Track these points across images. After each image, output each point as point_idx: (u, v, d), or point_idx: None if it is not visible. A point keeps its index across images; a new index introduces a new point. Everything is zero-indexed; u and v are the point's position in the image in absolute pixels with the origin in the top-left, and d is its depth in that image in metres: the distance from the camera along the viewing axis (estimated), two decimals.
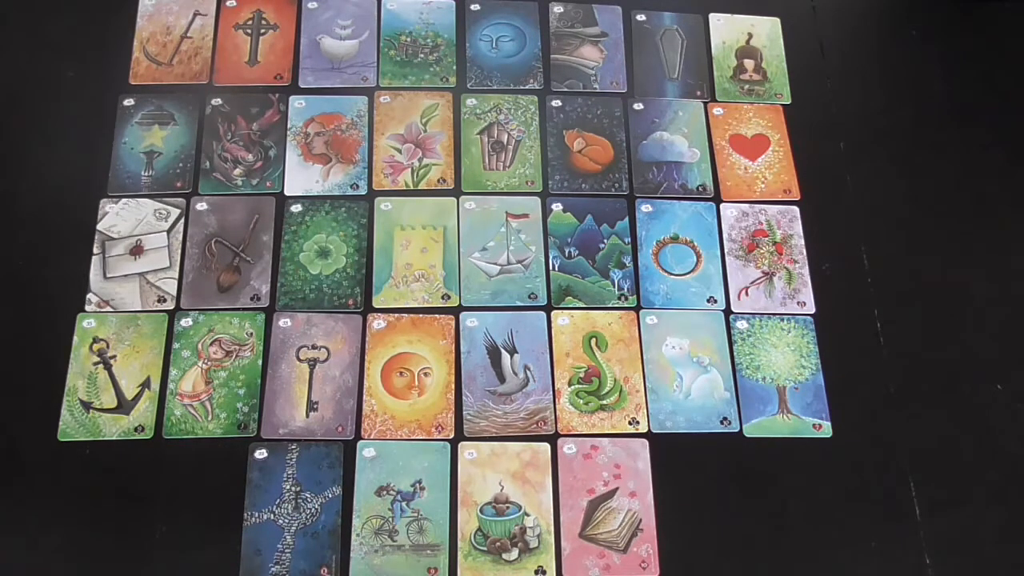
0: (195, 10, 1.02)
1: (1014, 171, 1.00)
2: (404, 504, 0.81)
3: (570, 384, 0.87)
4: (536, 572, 0.80)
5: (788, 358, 0.89)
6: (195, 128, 0.96)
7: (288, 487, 0.81)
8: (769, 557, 0.82)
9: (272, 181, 0.94)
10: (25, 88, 0.97)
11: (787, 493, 0.84)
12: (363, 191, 0.94)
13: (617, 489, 0.83)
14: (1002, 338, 0.92)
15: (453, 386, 0.86)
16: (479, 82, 1.01)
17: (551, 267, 0.92)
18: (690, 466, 0.84)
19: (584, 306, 0.90)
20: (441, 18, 1.04)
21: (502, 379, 0.87)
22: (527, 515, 0.82)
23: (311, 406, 0.85)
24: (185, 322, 0.87)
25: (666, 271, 0.93)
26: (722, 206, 0.96)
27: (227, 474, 0.81)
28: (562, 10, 1.05)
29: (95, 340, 0.86)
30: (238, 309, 0.88)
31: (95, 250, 0.90)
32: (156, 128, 0.96)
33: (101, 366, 0.85)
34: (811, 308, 0.92)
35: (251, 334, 0.87)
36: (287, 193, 0.94)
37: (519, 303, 0.90)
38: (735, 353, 0.89)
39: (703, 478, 0.84)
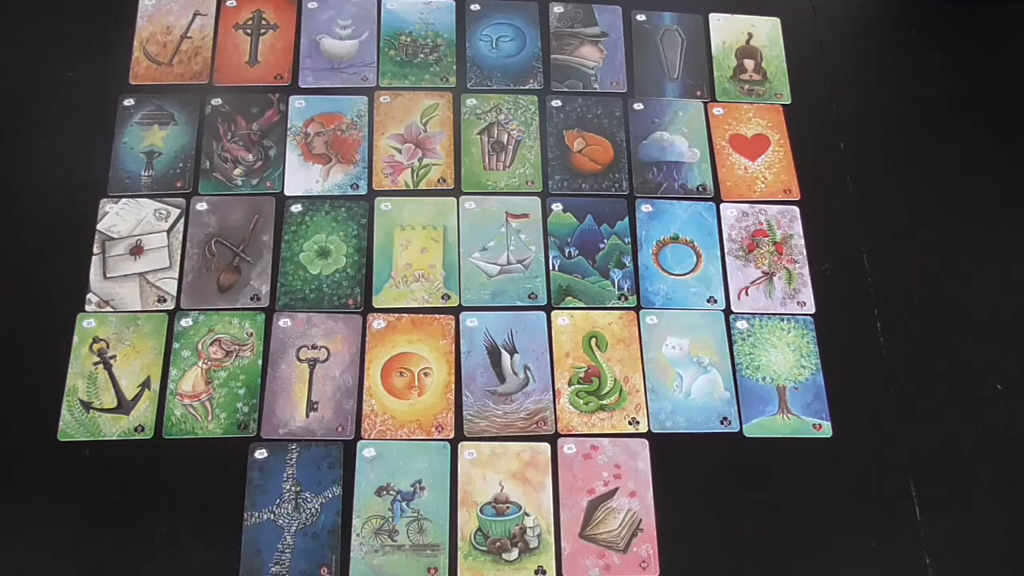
0: (195, 10, 1.02)
1: (1014, 171, 1.00)
2: (404, 504, 0.81)
3: (570, 384, 0.87)
4: (536, 572, 0.80)
5: (788, 358, 0.89)
6: (195, 128, 0.96)
7: (288, 487, 0.81)
8: (769, 557, 0.82)
9: (272, 181, 0.94)
10: (25, 88, 0.97)
11: (787, 493, 0.84)
12: (363, 191, 0.94)
13: (617, 489, 0.83)
14: (1002, 338, 0.92)
15: (453, 386, 0.86)
16: (479, 82, 1.01)
17: (551, 267, 0.92)
18: (690, 466, 0.84)
19: (584, 306, 0.90)
20: (441, 18, 1.04)
21: (502, 379, 0.87)
22: (527, 515, 0.82)
23: (311, 406, 0.85)
24: (185, 322, 0.87)
25: (666, 271, 0.93)
26: (722, 206, 0.96)
27: (227, 474, 0.81)
28: (562, 10, 1.05)
29: (95, 340, 0.86)
30: (238, 309, 0.88)
31: (95, 250, 0.90)
32: (156, 128, 0.96)
33: (101, 366, 0.85)
34: (811, 308, 0.92)
35: (251, 334, 0.87)
36: (287, 193, 0.94)
37: (519, 303, 0.90)
38: (735, 353, 0.89)
39: (703, 478, 0.84)
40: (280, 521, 0.80)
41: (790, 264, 0.94)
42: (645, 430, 0.86)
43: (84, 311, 0.87)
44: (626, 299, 0.91)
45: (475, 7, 1.05)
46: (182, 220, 0.92)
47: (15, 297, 0.88)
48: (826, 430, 0.87)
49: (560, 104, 1.00)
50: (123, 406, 0.84)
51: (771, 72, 1.04)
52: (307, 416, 0.84)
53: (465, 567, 0.80)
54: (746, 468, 0.85)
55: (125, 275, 0.89)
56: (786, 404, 0.87)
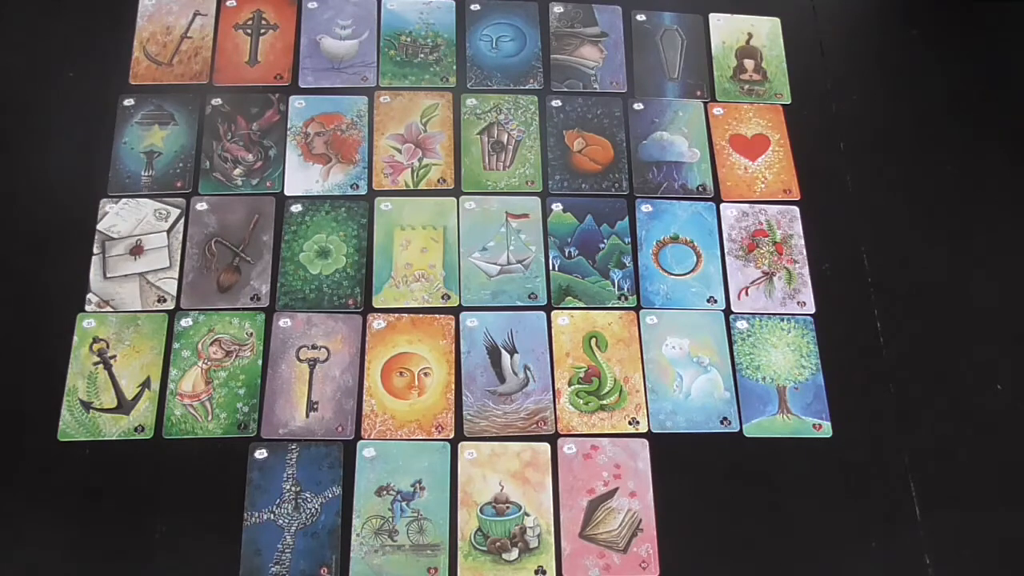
0: (195, 10, 1.02)
1: (1014, 171, 1.00)
2: (404, 504, 0.81)
3: (570, 384, 0.87)
4: (536, 572, 0.80)
5: (788, 358, 0.89)
6: (195, 128, 0.96)
7: (288, 487, 0.81)
8: (769, 557, 0.82)
9: (272, 181, 0.94)
10: (25, 88, 0.97)
11: (787, 493, 0.84)
12: (363, 191, 0.94)
13: (617, 489, 0.83)
14: (1002, 338, 0.92)
15: (453, 386, 0.86)
16: (479, 82, 1.01)
17: (551, 267, 0.92)
18: (690, 466, 0.84)
19: (584, 306, 0.90)
20: (441, 18, 1.04)
21: (502, 379, 0.87)
22: (527, 515, 0.82)
23: (311, 406, 0.85)
24: (185, 322, 0.87)
25: (666, 271, 0.93)
26: (722, 206, 0.96)
27: (227, 474, 0.81)
28: (562, 10, 1.05)
29: (95, 340, 0.86)
30: (238, 309, 0.88)
31: (95, 250, 0.90)
32: (156, 128, 0.96)
33: (101, 366, 0.85)
34: (811, 308, 0.92)
35: (251, 334, 0.87)
36: (287, 193, 0.94)
37: (519, 303, 0.90)
38: (735, 353, 0.89)
39: (703, 478, 0.84)
40: (280, 521, 0.80)
41: (790, 264, 0.94)
42: (645, 430, 0.86)
43: (84, 311, 0.87)
44: (626, 299, 0.91)
45: (475, 7, 1.05)
46: (182, 220, 0.92)
47: (15, 297, 0.88)
48: (826, 430, 0.87)
49: (560, 104, 1.00)
50: (123, 406, 0.84)
51: (771, 72, 1.04)
52: (307, 416, 0.84)
53: (465, 567, 0.80)
54: (746, 468, 0.85)
55: (125, 275, 0.89)
56: (786, 404, 0.87)
